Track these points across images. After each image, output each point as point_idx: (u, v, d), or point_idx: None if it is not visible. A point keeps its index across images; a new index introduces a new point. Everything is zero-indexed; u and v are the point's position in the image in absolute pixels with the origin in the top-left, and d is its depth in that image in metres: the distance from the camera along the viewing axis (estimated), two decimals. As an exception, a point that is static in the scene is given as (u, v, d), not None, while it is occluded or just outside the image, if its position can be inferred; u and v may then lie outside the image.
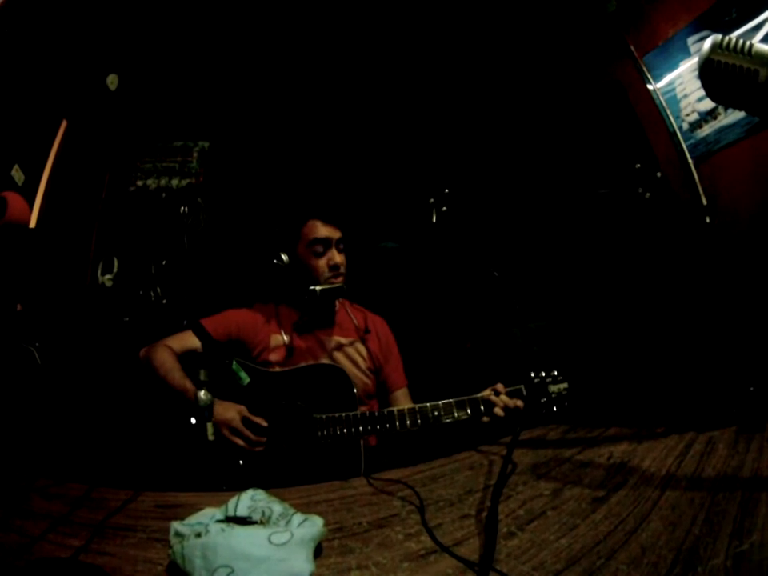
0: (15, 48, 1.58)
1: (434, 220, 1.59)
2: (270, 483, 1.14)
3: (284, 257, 1.67)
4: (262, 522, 0.82)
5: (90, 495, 1.04)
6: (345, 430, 1.42)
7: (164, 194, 1.99)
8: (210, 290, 1.81)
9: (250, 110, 2.10)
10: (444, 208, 1.56)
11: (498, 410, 1.42)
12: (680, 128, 1.95)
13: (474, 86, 2.15)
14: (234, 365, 1.26)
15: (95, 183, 1.89)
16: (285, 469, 1.39)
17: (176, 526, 0.80)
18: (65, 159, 1.82)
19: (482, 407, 1.43)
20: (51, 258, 1.62)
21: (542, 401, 1.43)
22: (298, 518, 0.83)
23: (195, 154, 2.11)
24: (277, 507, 0.85)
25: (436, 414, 1.43)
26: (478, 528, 0.85)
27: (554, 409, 1.43)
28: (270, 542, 0.72)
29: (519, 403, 1.44)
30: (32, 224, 1.66)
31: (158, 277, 1.88)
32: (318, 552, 0.80)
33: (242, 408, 1.41)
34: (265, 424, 1.41)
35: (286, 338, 1.65)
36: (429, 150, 2.15)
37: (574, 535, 0.78)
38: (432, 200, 1.58)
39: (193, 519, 0.82)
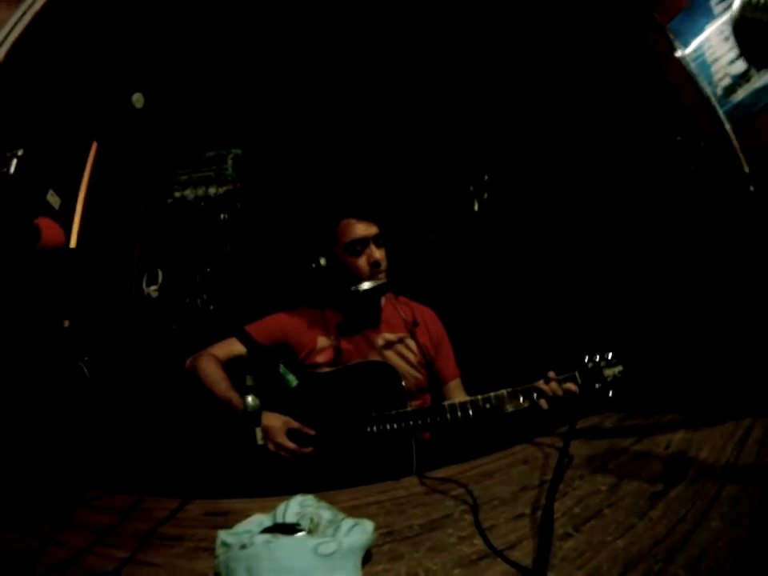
0: (40, 76, 1.67)
1: (476, 208, 1.58)
2: (321, 485, 1.20)
3: (322, 260, 1.70)
4: (310, 531, 0.84)
5: (138, 506, 1.10)
6: (395, 426, 1.46)
7: (203, 203, 2.07)
8: (255, 294, 1.89)
9: (276, 111, 2.13)
10: (485, 195, 1.54)
11: (551, 400, 1.42)
12: (714, 94, 1.85)
13: (507, 65, 2.09)
14: (282, 368, 1.32)
15: (132, 199, 1.99)
16: (335, 470, 1.44)
17: (223, 535, 0.83)
18: (99, 179, 1.92)
19: (536, 397, 1.44)
20: (95, 275, 1.73)
21: (597, 386, 1.42)
22: (347, 523, 0.86)
23: (230, 162, 2.17)
24: (326, 514, 0.88)
25: (488, 406, 1.45)
26: (532, 529, 0.87)
27: (610, 394, 1.42)
28: (316, 552, 0.74)
29: (574, 389, 1.43)
30: (72, 244, 1.78)
31: (203, 284, 1.97)
32: (368, 558, 0.83)
33: (288, 419, 1.47)
34: (312, 433, 1.45)
35: (332, 339, 1.70)
36: (465, 136, 2.13)
37: (631, 536, 0.79)
38: (472, 188, 1.57)
39: (240, 527, 0.86)
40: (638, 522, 0.83)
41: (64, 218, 1.81)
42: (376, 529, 0.88)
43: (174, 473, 1.62)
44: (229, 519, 0.99)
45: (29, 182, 1.48)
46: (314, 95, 2.11)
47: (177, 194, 2.08)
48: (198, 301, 1.90)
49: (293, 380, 1.35)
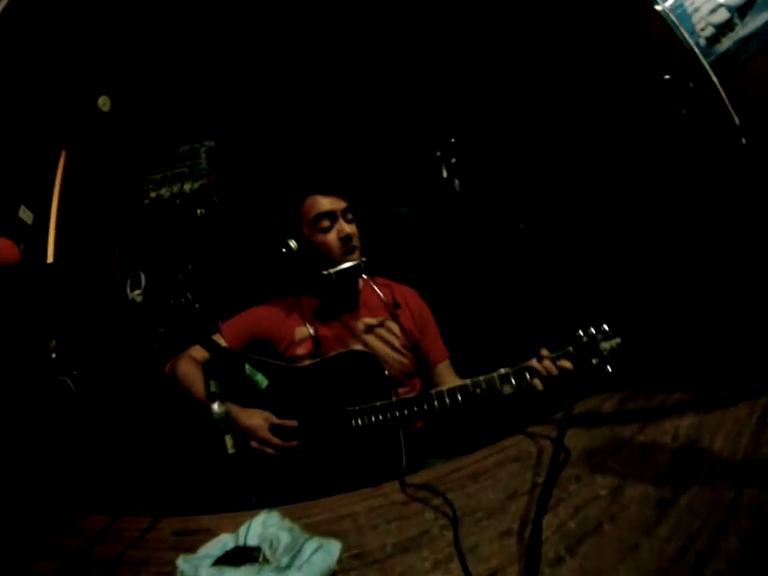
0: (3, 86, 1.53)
1: (445, 175, 1.40)
2: (303, 492, 1.10)
3: (292, 243, 1.53)
4: (265, 560, 0.72)
5: (111, 527, 1.00)
6: (380, 418, 1.32)
7: (178, 201, 1.93)
8: (239, 288, 1.74)
9: (243, 94, 1.95)
10: (453, 160, 1.36)
11: (545, 380, 1.26)
12: (697, 44, 1.65)
13: (467, 14, 1.87)
14: (248, 369, 1.18)
15: (108, 204, 1.85)
16: (320, 472, 1.31)
17: (181, 563, 0.73)
18: (71, 189, 1.78)
19: (529, 377, 1.27)
20: (76, 288, 1.61)
21: (594, 361, 1.24)
22: (310, 546, 0.74)
23: (203, 155, 2.02)
24: (285, 537, 0.75)
25: (478, 391, 1.29)
26: (519, 550, 0.72)
27: (609, 369, 1.24)
28: None
29: (569, 366, 1.26)
30: (49, 258, 1.66)
31: (186, 283, 1.84)
32: None
33: (268, 415, 1.34)
34: (294, 424, 1.34)
35: (310, 329, 1.54)
36: (426, 96, 1.92)
37: (635, 559, 0.64)
38: (439, 153, 1.38)
39: (203, 551, 0.77)
40: (643, 541, 0.68)
41: (38, 233, 1.69)
42: (345, 549, 0.76)
43: (152, 488, 1.50)
44: (197, 539, 0.87)
45: None
46: (272, 68, 1.92)
47: (152, 194, 1.94)
48: (183, 300, 1.77)
49: (262, 380, 1.21)
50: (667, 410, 1.14)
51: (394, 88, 1.85)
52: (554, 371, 1.26)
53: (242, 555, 0.72)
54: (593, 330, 1.28)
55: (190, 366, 1.45)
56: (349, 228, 1.54)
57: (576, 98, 1.70)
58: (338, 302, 1.60)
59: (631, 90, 1.59)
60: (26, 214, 1.53)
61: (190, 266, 1.84)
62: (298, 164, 1.95)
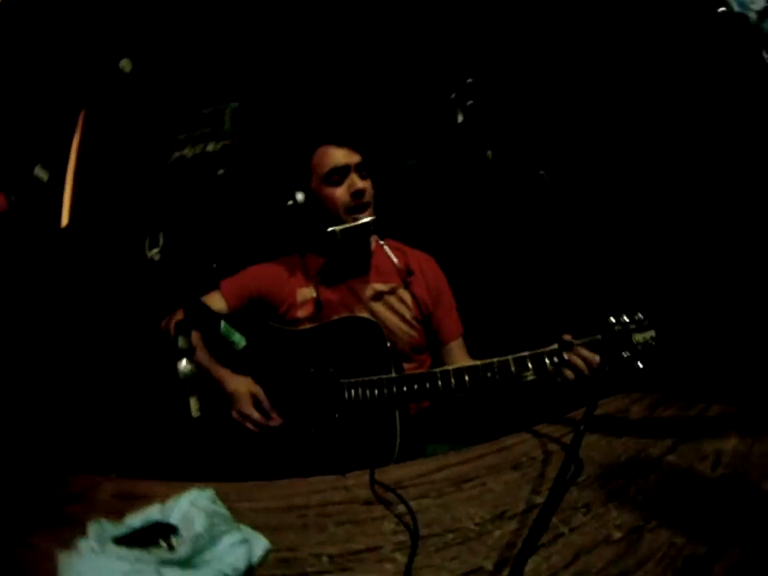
0: (21, 46, 1.40)
1: (460, 120, 1.12)
2: (270, 468, 0.92)
3: (299, 196, 1.29)
4: (171, 546, 0.57)
5: (66, 481, 0.82)
6: (376, 393, 1.08)
7: (200, 161, 1.77)
8: (257, 248, 1.53)
9: (264, 53, 1.73)
10: (469, 102, 1.08)
11: (566, 370, 0.99)
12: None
13: None
14: (223, 326, 0.97)
15: (128, 165, 1.71)
16: (299, 450, 1.09)
17: (92, 526, 0.59)
18: (89, 149, 1.65)
19: (549, 366, 1.01)
20: (93, 250, 1.48)
21: (625, 355, 0.97)
22: (230, 539, 0.58)
23: (227, 117, 1.83)
24: (201, 523, 0.59)
25: (489, 374, 1.03)
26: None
27: (639, 365, 0.96)
28: None
29: (595, 358, 0.98)
30: (64, 221, 1.53)
31: (206, 243, 1.68)
32: None
33: (257, 389, 1.12)
34: (278, 422, 1.11)
35: (313, 291, 1.31)
36: (441, 29, 1.56)
37: None
38: (453, 95, 1.10)
39: (128, 519, 0.63)
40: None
41: (54, 193, 1.57)
42: (275, 549, 0.61)
43: (111, 447, 1.32)
44: (135, 504, 0.69)
45: None
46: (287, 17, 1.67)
47: (176, 155, 1.78)
48: (202, 260, 1.60)
49: (239, 340, 1.00)
50: (707, 427, 0.85)
51: (406, 23, 1.53)
52: (579, 362, 0.99)
53: (155, 534, 0.59)
54: (626, 318, 1.00)
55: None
56: (362, 183, 1.28)
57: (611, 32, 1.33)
58: (345, 263, 1.35)
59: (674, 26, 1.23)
60: (41, 172, 1.41)
61: (210, 227, 1.69)
62: (310, 112, 1.70)
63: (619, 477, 0.71)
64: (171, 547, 0.56)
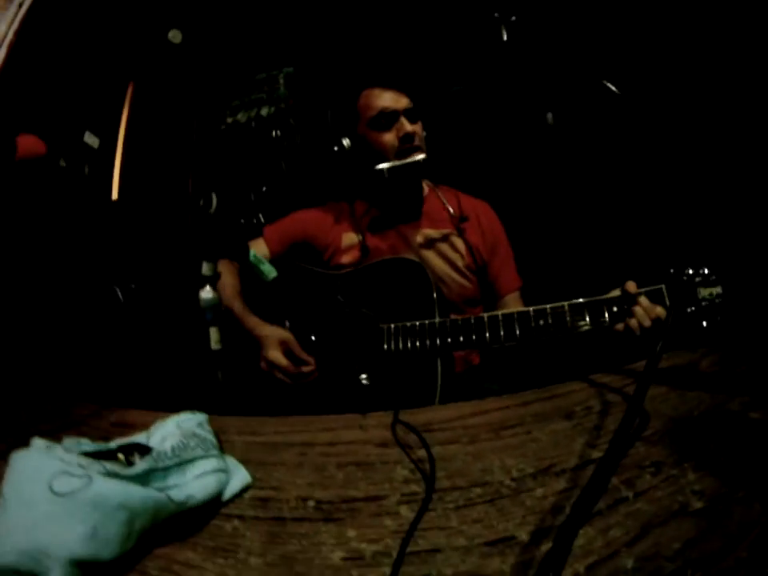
0: (76, 16, 1.34)
1: (505, 38, 0.91)
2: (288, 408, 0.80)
3: (345, 141, 1.15)
4: (127, 462, 0.49)
5: (71, 409, 0.77)
6: (418, 344, 0.92)
7: (253, 124, 1.67)
8: (305, 201, 1.42)
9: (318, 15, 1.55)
10: (513, 18, 0.86)
11: (631, 321, 0.79)
12: None
13: None
14: (252, 256, 0.86)
15: (182, 132, 1.64)
16: (325, 394, 0.97)
17: (66, 439, 0.50)
18: (140, 117, 1.59)
19: (608, 316, 0.82)
20: (144, 207, 1.45)
21: (690, 310, 0.77)
22: (203, 466, 0.48)
23: (281, 81, 1.70)
24: (173, 443, 0.49)
25: (541, 322, 0.85)
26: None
27: (704, 324, 0.76)
28: (50, 487, 0.39)
29: (659, 311, 0.78)
30: (114, 187, 1.50)
31: (258, 203, 1.60)
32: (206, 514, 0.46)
33: (289, 337, 1.00)
34: (311, 363, 0.99)
35: (359, 236, 1.16)
36: None
37: None
38: (497, 14, 0.89)
39: (114, 442, 0.54)
40: None
41: (104, 159, 1.52)
42: (259, 486, 0.51)
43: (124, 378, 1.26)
44: (130, 432, 0.60)
45: (5, 104, 1.19)
46: None
47: (229, 120, 1.69)
48: (254, 220, 1.52)
49: (269, 271, 0.88)
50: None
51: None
52: (640, 312, 0.78)
53: (124, 453, 0.51)
54: (690, 271, 0.79)
55: (225, 270, 1.07)
56: (411, 127, 1.11)
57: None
58: (395, 207, 1.19)
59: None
60: (91, 139, 1.38)
61: (263, 188, 1.61)
62: (356, 54, 1.50)
63: (695, 433, 0.52)
64: (130, 464, 0.47)
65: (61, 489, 0.39)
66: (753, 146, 0.96)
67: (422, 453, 0.55)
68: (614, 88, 0.74)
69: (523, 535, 0.39)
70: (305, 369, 0.98)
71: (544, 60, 0.85)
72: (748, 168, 1.01)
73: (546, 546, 0.37)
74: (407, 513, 0.44)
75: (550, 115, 1.11)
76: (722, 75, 0.99)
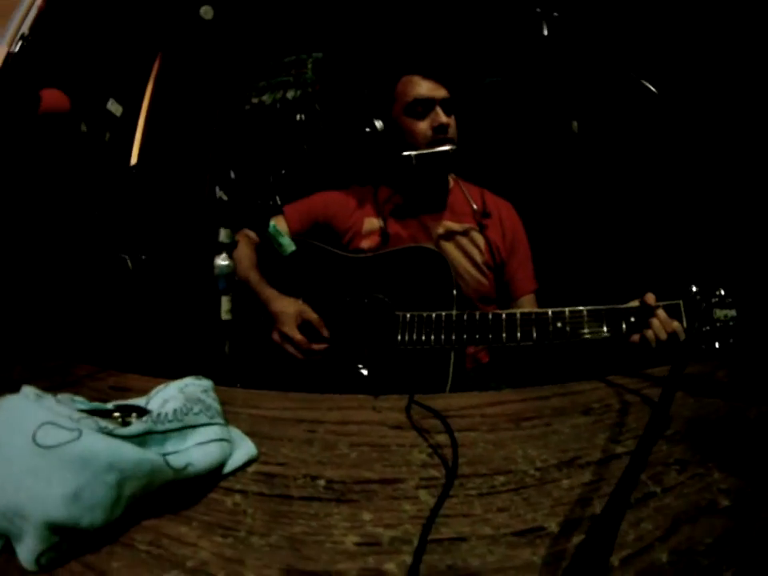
0: None
1: (546, 33, 0.89)
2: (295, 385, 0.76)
3: (378, 123, 1.13)
4: (123, 422, 0.42)
5: (70, 369, 0.75)
6: (432, 337, 0.91)
7: (278, 105, 1.65)
8: (329, 183, 1.40)
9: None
10: (555, 13, 0.85)
11: (648, 332, 0.79)
12: None
13: None
14: (272, 228, 0.84)
15: (204, 109, 1.62)
16: (342, 379, 0.96)
17: (61, 395, 0.46)
18: (165, 89, 1.57)
19: (625, 326, 0.82)
20: (162, 178, 1.43)
21: (705, 329, 0.77)
22: (205, 433, 0.44)
23: (309, 65, 1.68)
24: (174, 406, 0.45)
25: (559, 325, 0.85)
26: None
27: (716, 344, 0.76)
28: (34, 439, 0.34)
29: (676, 326, 0.79)
30: (134, 157, 1.49)
31: (276, 185, 1.59)
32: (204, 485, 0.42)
33: (304, 308, 0.99)
34: (326, 334, 0.98)
35: (381, 221, 1.14)
36: None
37: None
38: (538, 9, 0.88)
39: (111, 403, 0.50)
40: None
41: (126, 127, 1.50)
42: (263, 461, 0.48)
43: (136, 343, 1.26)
44: (128, 396, 0.58)
45: (33, 61, 1.17)
46: None
47: (254, 100, 1.67)
48: (270, 202, 1.51)
49: (288, 245, 0.85)
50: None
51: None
52: (658, 325, 0.79)
53: (121, 413, 0.45)
54: (708, 291, 0.79)
55: (242, 242, 1.12)
56: (446, 118, 1.10)
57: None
58: (419, 196, 1.17)
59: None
60: (114, 107, 1.36)
61: (283, 170, 1.59)
62: (399, 40, 1.46)
63: (716, 436, 0.51)
64: (126, 424, 0.41)
65: (45, 441, 0.34)
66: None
67: (439, 438, 0.54)
68: (652, 88, 0.73)
69: (552, 526, 0.38)
70: (317, 346, 0.97)
71: (582, 58, 0.83)
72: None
73: (577, 538, 0.36)
74: (427, 498, 0.43)
75: (575, 123, 1.09)
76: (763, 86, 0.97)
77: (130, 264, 1.28)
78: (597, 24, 1.00)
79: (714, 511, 0.38)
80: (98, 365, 0.79)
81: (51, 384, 0.67)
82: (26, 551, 0.33)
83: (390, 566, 0.34)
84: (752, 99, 0.97)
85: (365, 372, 0.95)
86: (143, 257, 1.30)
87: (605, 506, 0.32)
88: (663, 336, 0.79)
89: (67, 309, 1.16)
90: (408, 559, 0.35)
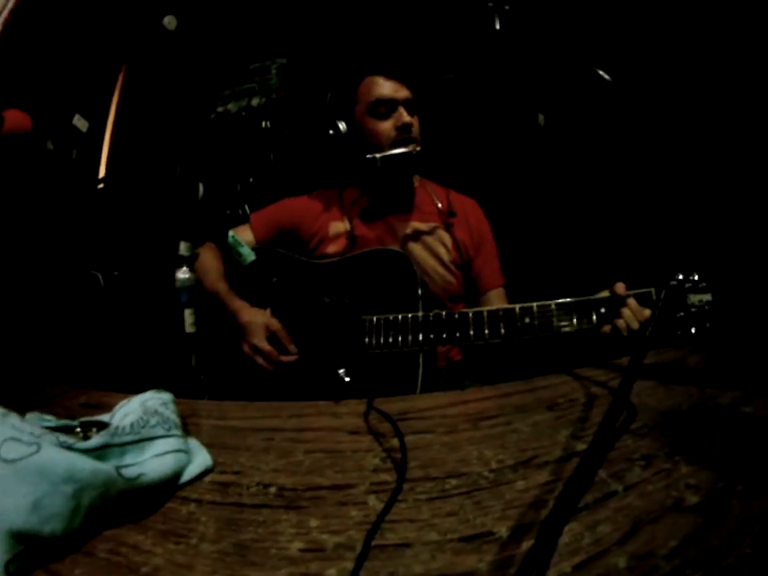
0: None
1: (498, 27, 0.87)
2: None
3: (341, 125, 1.10)
4: (84, 436, 0.44)
5: (45, 389, 0.74)
6: (400, 339, 0.86)
7: (243, 113, 1.61)
8: (294, 189, 1.36)
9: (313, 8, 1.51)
10: (507, 7, 0.83)
11: (619, 321, 0.76)
12: None
13: None
14: (231, 238, 0.80)
15: (170, 119, 1.58)
16: (312, 387, 0.90)
17: (29, 414, 0.50)
18: (130, 102, 1.53)
19: (595, 317, 0.78)
20: (129, 193, 1.38)
21: (679, 315, 0.74)
22: (162, 446, 0.45)
23: (273, 71, 1.65)
24: (132, 419, 0.46)
25: (527, 320, 0.81)
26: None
27: (692, 330, 0.74)
28: None
29: (648, 314, 0.76)
30: (101, 172, 1.44)
31: (244, 194, 1.54)
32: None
33: (272, 320, 0.95)
34: (293, 350, 0.93)
35: (347, 224, 1.10)
36: None
37: None
38: (491, 3, 0.86)
39: (79, 419, 0.51)
40: None
41: (93, 142, 1.46)
42: (219, 470, 0.47)
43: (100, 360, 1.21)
44: (99, 413, 0.56)
45: None
46: None
47: (219, 109, 1.63)
48: (240, 211, 1.46)
49: (247, 254, 0.81)
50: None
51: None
52: (629, 314, 0.76)
53: (84, 427, 0.48)
54: (680, 276, 0.76)
55: (208, 255, 1.09)
56: (409, 118, 1.08)
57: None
58: (385, 198, 1.14)
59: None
60: (80, 122, 1.31)
61: (251, 179, 1.55)
62: (360, 41, 1.44)
63: (685, 427, 0.48)
64: (87, 438, 0.42)
65: (8, 455, 0.36)
66: (753, 151, 0.93)
67: (395, 442, 0.50)
68: (606, 76, 0.71)
69: (502, 531, 0.34)
70: (285, 358, 0.92)
71: (536, 50, 0.81)
72: (744, 177, 0.98)
73: (527, 543, 0.32)
74: (375, 503, 0.39)
75: (541, 116, 1.07)
76: (721, 70, 0.96)
77: (101, 281, 1.22)
78: (549, 15, 1.00)
79: (680, 509, 0.34)
80: (70, 383, 0.77)
81: (21, 404, 0.63)
82: (-5, 560, 0.34)
83: (331, 572, 0.32)
84: (715, 80, 0.96)
85: (347, 378, 0.90)
86: (115, 273, 1.24)
87: (552, 508, 0.28)
88: (635, 325, 0.76)
89: (40, 327, 1.11)
90: (350, 566, 0.33)
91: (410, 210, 1.15)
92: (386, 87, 1.09)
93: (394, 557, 0.33)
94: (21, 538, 0.34)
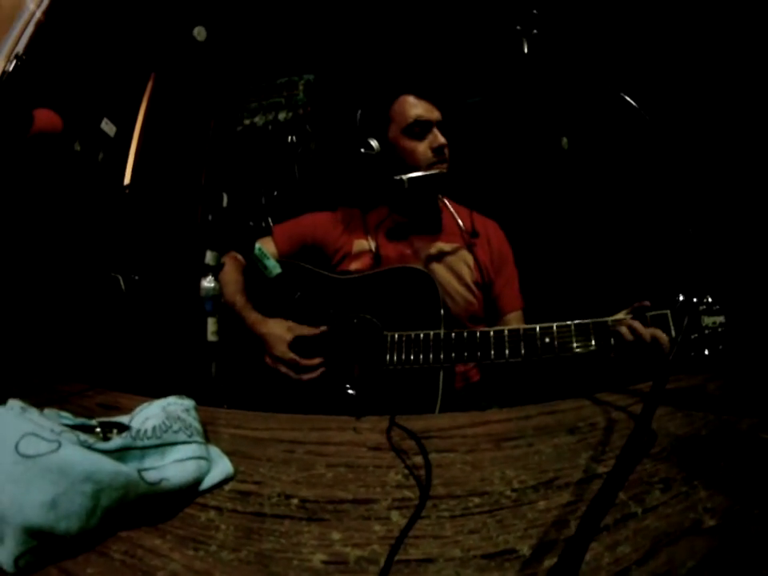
0: (104, 7, 1.36)
1: (526, 50, 0.90)
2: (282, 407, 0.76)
3: (374, 143, 1.10)
4: (104, 437, 0.44)
5: (56, 387, 0.76)
6: (421, 356, 0.89)
7: (270, 127, 1.67)
8: (318, 204, 1.41)
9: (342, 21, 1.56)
10: (535, 31, 0.86)
11: (632, 344, 0.78)
12: None
13: None
14: (257, 250, 0.83)
15: (199, 129, 1.65)
16: (331, 401, 0.93)
17: (47, 411, 0.47)
18: (158, 110, 1.60)
19: (613, 339, 0.80)
20: (155, 200, 1.44)
21: (693, 337, 0.76)
22: (183, 451, 0.46)
23: (301, 87, 1.71)
24: (154, 423, 0.46)
25: (547, 340, 0.84)
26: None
27: (706, 351, 0.75)
28: (17, 448, 0.36)
29: (662, 336, 0.77)
30: (127, 177, 1.51)
31: (268, 207, 1.59)
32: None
33: (293, 324, 0.98)
34: (319, 331, 0.97)
35: (372, 243, 1.13)
36: None
37: None
38: (519, 27, 0.89)
39: (96, 419, 0.50)
40: None
41: (120, 147, 1.53)
42: (240, 479, 0.48)
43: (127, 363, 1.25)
44: (116, 413, 0.59)
45: (27, 81, 1.20)
46: None
47: (246, 122, 1.69)
48: (263, 223, 1.51)
49: (273, 267, 0.84)
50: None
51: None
52: (647, 336, 0.77)
53: (104, 427, 0.47)
54: (695, 299, 0.78)
55: (229, 265, 1.11)
56: (443, 139, 1.10)
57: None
58: (413, 218, 1.17)
59: None
60: (108, 127, 1.38)
61: (275, 192, 1.60)
62: (394, 61, 1.48)
63: (703, 452, 0.49)
64: (107, 439, 0.43)
65: (27, 450, 0.36)
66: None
67: (417, 459, 0.52)
68: (632, 102, 0.74)
69: (524, 549, 0.36)
70: (310, 362, 0.95)
71: (562, 74, 0.85)
72: (759, 201, 1.00)
73: (549, 562, 0.34)
74: (398, 519, 0.41)
75: (564, 140, 1.10)
76: (749, 98, 0.98)
77: (122, 284, 1.28)
78: (577, 40, 1.03)
79: (699, 532, 0.36)
80: (87, 382, 0.79)
81: (37, 400, 0.66)
82: (5, 553, 0.34)
83: (354, 586, 0.34)
84: (735, 112, 0.98)
85: (352, 392, 0.93)
86: (135, 277, 1.29)
87: (577, 527, 0.30)
88: (649, 347, 0.77)
89: (59, 327, 1.16)
90: (373, 580, 0.34)
91: (437, 232, 1.17)
92: (420, 108, 1.11)
93: (417, 572, 0.35)
94: (35, 534, 0.34)
